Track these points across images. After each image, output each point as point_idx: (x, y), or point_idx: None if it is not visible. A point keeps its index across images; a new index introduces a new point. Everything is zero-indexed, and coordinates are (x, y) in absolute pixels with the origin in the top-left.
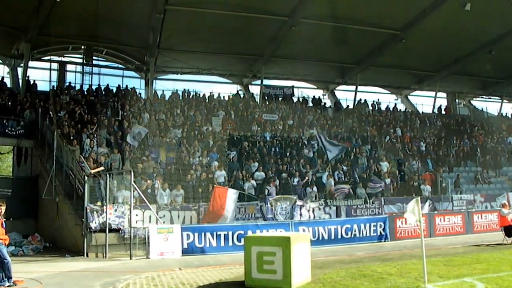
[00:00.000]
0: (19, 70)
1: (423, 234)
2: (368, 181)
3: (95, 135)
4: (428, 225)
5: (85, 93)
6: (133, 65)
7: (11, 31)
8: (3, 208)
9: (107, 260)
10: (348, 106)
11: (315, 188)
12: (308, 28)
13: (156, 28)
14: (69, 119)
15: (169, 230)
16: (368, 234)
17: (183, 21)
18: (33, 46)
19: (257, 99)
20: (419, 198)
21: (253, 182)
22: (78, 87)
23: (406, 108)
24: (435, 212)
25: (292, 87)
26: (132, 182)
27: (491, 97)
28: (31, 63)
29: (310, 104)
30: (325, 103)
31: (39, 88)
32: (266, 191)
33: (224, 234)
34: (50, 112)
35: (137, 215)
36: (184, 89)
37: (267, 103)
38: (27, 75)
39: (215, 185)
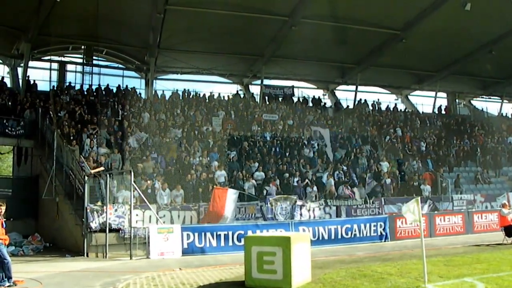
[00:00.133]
0: (19, 70)
1: (423, 234)
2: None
3: (95, 135)
4: (428, 225)
5: (85, 93)
6: (133, 65)
7: (11, 31)
8: (3, 208)
9: (107, 260)
10: (348, 106)
11: (315, 188)
12: (308, 28)
13: (156, 28)
14: (69, 119)
15: (169, 230)
16: (368, 234)
17: (183, 21)
18: (33, 46)
19: (257, 99)
20: (419, 198)
21: (253, 182)
22: (78, 87)
23: (406, 108)
24: (435, 212)
25: (292, 87)
26: (132, 182)
27: (491, 97)
28: (31, 63)
29: (310, 104)
30: (325, 103)
31: (39, 88)
32: (265, 191)
33: (224, 234)
34: (50, 112)
35: (137, 215)
36: (184, 89)
37: (267, 103)
38: (27, 75)
39: (215, 186)
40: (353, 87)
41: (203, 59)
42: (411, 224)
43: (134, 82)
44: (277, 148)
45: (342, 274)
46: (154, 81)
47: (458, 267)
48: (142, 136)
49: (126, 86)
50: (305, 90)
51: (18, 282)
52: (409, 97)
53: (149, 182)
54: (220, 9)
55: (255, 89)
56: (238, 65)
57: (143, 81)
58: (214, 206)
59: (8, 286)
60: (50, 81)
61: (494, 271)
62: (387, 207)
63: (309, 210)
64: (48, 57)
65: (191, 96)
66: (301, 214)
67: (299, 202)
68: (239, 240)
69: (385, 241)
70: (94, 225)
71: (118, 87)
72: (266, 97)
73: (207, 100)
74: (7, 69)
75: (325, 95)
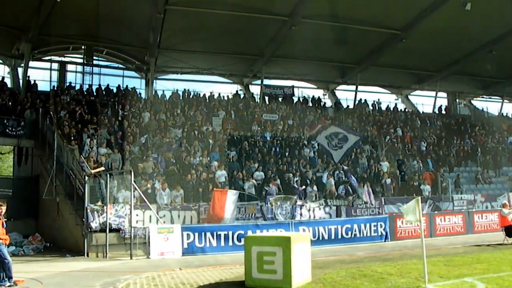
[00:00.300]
0: (20, 70)
1: (424, 234)
2: (368, 181)
3: (96, 135)
4: (428, 225)
5: (86, 93)
6: (134, 65)
7: (11, 31)
8: (4, 208)
9: (107, 260)
10: (348, 106)
11: (315, 188)
12: (308, 28)
13: (156, 28)
14: (69, 119)
15: (170, 230)
16: (368, 234)
17: (183, 21)
18: (34, 46)
19: (257, 99)
20: (419, 198)
21: (253, 181)
22: (78, 87)
23: (406, 108)
24: (436, 212)
25: (292, 87)
26: (133, 182)
27: (492, 97)
28: (31, 63)
29: (310, 104)
30: (325, 103)
31: (39, 88)
32: (264, 191)
33: (224, 234)
34: (51, 112)
35: (137, 215)
36: (185, 89)
37: (267, 103)
38: (28, 75)
39: (215, 189)
40: (353, 87)
41: (203, 59)
42: (411, 224)
43: (134, 82)
44: (277, 148)
45: (342, 274)
46: (154, 81)
47: (459, 267)
48: (142, 139)
49: (126, 86)
50: (305, 90)
51: (19, 282)
52: (409, 97)
53: (149, 182)
54: (220, 9)
55: (255, 89)
56: (238, 65)
57: (143, 81)
58: (214, 209)
59: (8, 286)
60: (50, 81)
61: (495, 271)
62: (387, 207)
63: (309, 210)
64: (49, 57)
65: (191, 96)
66: (301, 214)
67: (299, 202)
68: (239, 240)
69: (385, 241)
70: (94, 225)
71: (118, 87)
72: (266, 97)
73: (207, 100)
74: (7, 69)
75: (325, 95)
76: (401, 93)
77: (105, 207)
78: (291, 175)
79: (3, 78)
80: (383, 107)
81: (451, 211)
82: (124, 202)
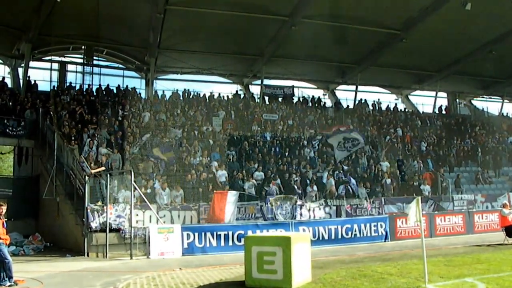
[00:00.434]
0: (20, 70)
1: (424, 234)
2: (368, 181)
3: (96, 135)
4: (428, 225)
5: (86, 93)
6: (134, 65)
7: (12, 31)
8: (4, 208)
9: (107, 260)
10: (348, 106)
11: (315, 188)
12: (308, 28)
13: (156, 28)
14: (69, 119)
15: (170, 230)
16: (368, 234)
17: (183, 21)
18: (34, 46)
19: (257, 99)
20: (419, 198)
21: (253, 181)
22: (78, 87)
23: (406, 108)
24: (436, 212)
25: (292, 87)
26: (133, 182)
27: (492, 97)
28: (31, 63)
29: (310, 104)
30: (325, 103)
31: (39, 88)
32: (264, 191)
33: (224, 234)
34: (51, 112)
35: (137, 215)
36: (185, 89)
37: (267, 103)
38: (28, 75)
39: (215, 191)
40: (353, 87)
41: (203, 59)
42: (417, 224)
43: (134, 82)
44: (277, 148)
45: (342, 274)
46: (154, 81)
47: (459, 267)
48: (144, 139)
49: (126, 86)
50: (305, 90)
51: (19, 281)
52: (410, 97)
53: (149, 183)
54: (220, 9)
55: (255, 89)
56: (238, 65)
57: (143, 81)
58: (214, 211)
59: (9, 286)
60: (50, 81)
61: (495, 271)
62: (387, 207)
63: (309, 210)
64: (49, 57)
65: (191, 96)
66: (301, 214)
67: (299, 202)
68: (239, 240)
69: (385, 241)
70: (94, 225)
71: (118, 87)
72: (266, 97)
73: (207, 100)
74: (8, 69)
75: (325, 95)
76: (401, 93)
77: (105, 207)
78: (289, 174)
79: (3, 78)
80: (383, 107)
81: (451, 211)
82: (124, 202)
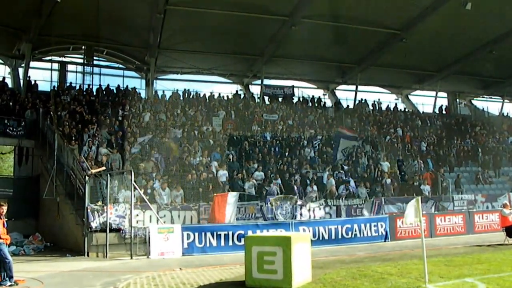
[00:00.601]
0: (20, 71)
1: (424, 234)
2: (368, 181)
3: (96, 135)
4: (428, 225)
5: (86, 93)
6: (134, 65)
7: (12, 31)
8: (5, 208)
9: (107, 259)
10: (348, 106)
11: (315, 188)
12: (308, 27)
13: (156, 28)
14: (70, 119)
15: (170, 230)
16: (368, 234)
17: (183, 21)
18: (34, 46)
19: (257, 99)
20: (419, 198)
21: (254, 181)
22: (78, 87)
23: (406, 108)
24: (436, 212)
25: (292, 87)
26: (133, 182)
27: (492, 97)
28: (32, 63)
29: (310, 104)
30: (325, 103)
31: (40, 88)
32: (265, 191)
33: (225, 234)
34: (51, 112)
35: (137, 215)
36: (185, 89)
37: (267, 103)
38: (28, 75)
39: (215, 194)
40: (353, 87)
41: (203, 59)
42: (411, 224)
43: (135, 82)
44: (277, 148)
45: (342, 274)
46: (154, 81)
47: (459, 268)
48: (144, 139)
49: (127, 86)
50: (305, 90)
51: (19, 281)
52: (410, 97)
53: (149, 183)
54: (220, 9)
55: (255, 89)
56: (238, 65)
57: (143, 81)
58: (214, 213)
59: (9, 286)
60: (51, 81)
61: (495, 271)
62: (387, 207)
63: (309, 210)
64: (49, 58)
65: (191, 96)
66: (301, 214)
67: (299, 202)
68: (239, 240)
69: (385, 241)
70: (94, 225)
71: (118, 87)
72: (266, 97)
73: (207, 100)
74: (8, 69)
75: (325, 95)
76: (401, 93)
77: (105, 207)
78: (289, 175)
79: (3, 78)
80: (383, 107)
81: (452, 211)
82: (124, 202)
